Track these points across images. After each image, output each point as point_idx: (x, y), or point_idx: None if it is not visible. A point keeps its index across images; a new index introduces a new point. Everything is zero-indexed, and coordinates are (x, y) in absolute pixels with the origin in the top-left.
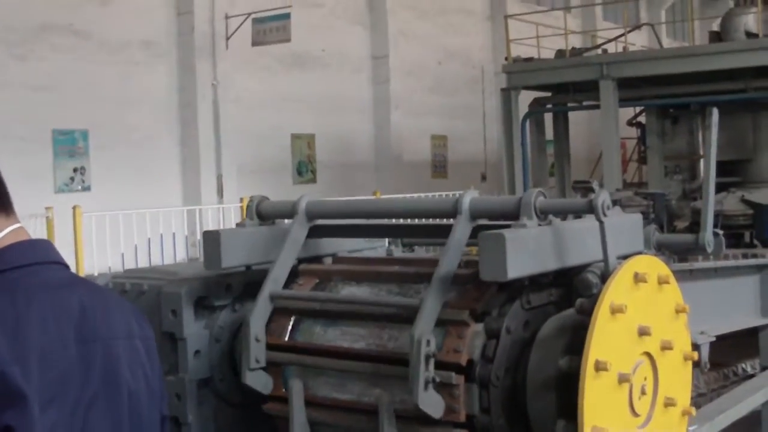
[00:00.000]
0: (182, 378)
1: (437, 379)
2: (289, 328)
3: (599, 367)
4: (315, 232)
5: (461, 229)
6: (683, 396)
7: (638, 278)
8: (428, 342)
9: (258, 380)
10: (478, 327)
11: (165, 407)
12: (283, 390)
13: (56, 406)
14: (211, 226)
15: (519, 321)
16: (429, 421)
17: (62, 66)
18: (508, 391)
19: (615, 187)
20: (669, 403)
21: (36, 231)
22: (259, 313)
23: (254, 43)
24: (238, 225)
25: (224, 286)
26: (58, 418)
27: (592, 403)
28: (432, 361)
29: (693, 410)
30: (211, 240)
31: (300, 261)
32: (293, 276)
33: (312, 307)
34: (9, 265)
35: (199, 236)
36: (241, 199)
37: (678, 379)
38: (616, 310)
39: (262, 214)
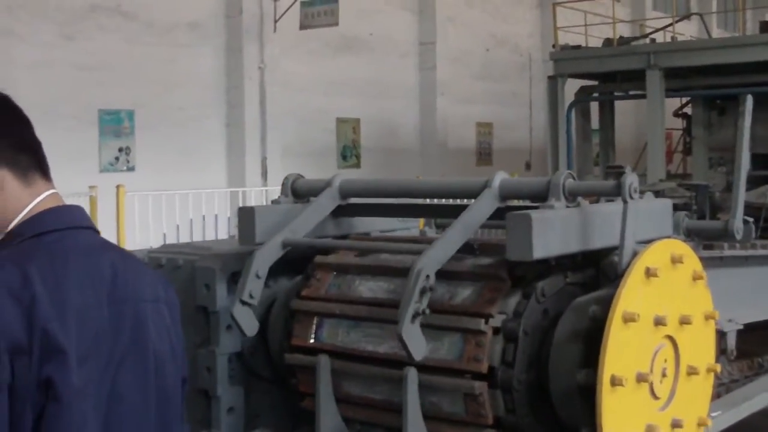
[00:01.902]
0: (213, 351)
1: (427, 311)
2: (314, 329)
3: (615, 382)
4: (348, 211)
5: (485, 201)
6: (706, 357)
7: (650, 273)
8: (428, 277)
9: (245, 317)
10: (497, 323)
11: (186, 370)
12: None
13: (91, 362)
14: None
15: (536, 317)
16: (453, 370)
17: (109, 46)
18: (533, 389)
19: (659, 178)
20: (692, 372)
21: None
22: (266, 251)
23: (302, 27)
24: (273, 202)
25: None
26: (92, 373)
27: (611, 415)
28: (427, 296)
29: (718, 367)
30: (246, 216)
31: (335, 239)
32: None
33: (332, 310)
34: (46, 228)
35: None
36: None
37: (700, 344)
38: (628, 319)
39: (297, 191)
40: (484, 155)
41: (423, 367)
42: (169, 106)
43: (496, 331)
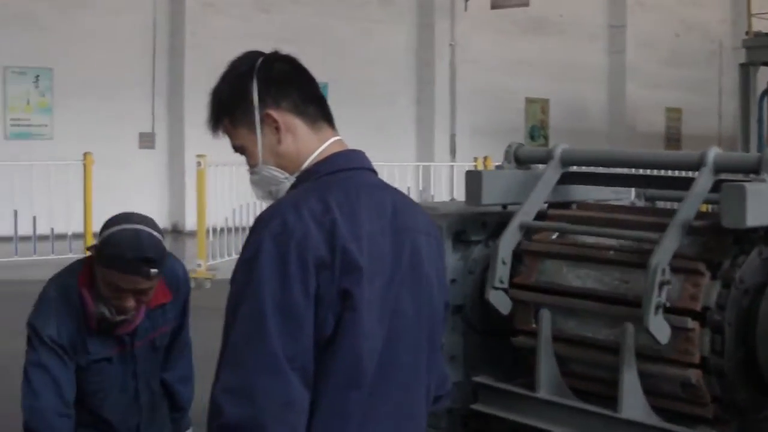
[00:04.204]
0: None
1: (667, 304)
2: (537, 269)
3: None
4: (566, 179)
5: (704, 179)
6: None
7: None
8: (663, 271)
9: (499, 300)
10: (702, 319)
11: (447, 295)
12: (533, 325)
13: (377, 281)
14: (443, 184)
15: (738, 303)
16: (666, 360)
17: (304, 20)
18: (744, 366)
19: None
20: None
21: None
22: (508, 238)
23: (493, 6)
24: (497, 167)
25: (480, 222)
26: (378, 290)
27: None
28: (665, 289)
29: None
30: (474, 179)
31: (550, 205)
32: (541, 218)
33: (558, 251)
34: (338, 168)
35: (432, 191)
36: (475, 159)
37: None
38: None
39: (519, 158)
40: (673, 140)
41: (639, 355)
42: (362, 81)
43: (702, 324)
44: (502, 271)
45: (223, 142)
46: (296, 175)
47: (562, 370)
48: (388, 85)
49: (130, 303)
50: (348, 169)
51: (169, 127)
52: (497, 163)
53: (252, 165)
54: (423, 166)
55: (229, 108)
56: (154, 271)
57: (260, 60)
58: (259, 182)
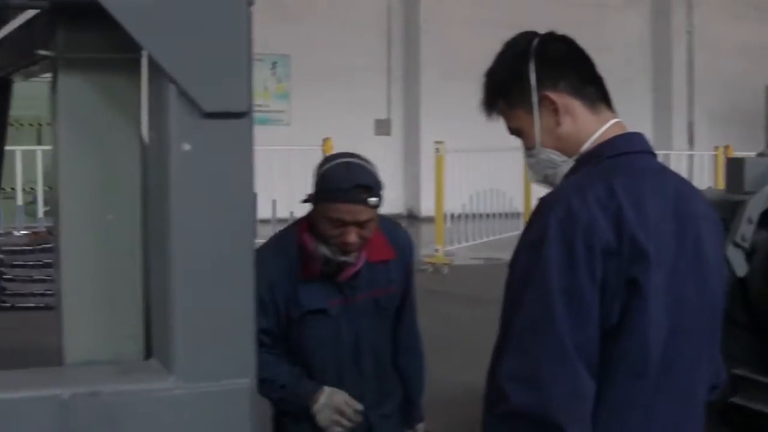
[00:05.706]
0: None
1: None
2: None
3: None
4: None
5: None
6: None
7: None
8: None
9: (737, 258)
10: None
11: (723, 284)
12: None
13: (662, 268)
14: (682, 173)
15: None
16: None
17: (537, 6)
18: None
19: None
20: None
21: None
22: (759, 199)
23: None
24: (758, 155)
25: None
26: (663, 278)
27: None
28: None
29: None
30: (735, 166)
31: None
32: None
33: None
34: (620, 150)
35: None
36: (715, 148)
37: None
38: None
39: None
40: None
41: None
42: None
43: None
44: (746, 230)
45: (459, 129)
46: (575, 158)
47: None
48: (622, 72)
49: (353, 237)
50: (631, 152)
51: (404, 114)
52: (738, 153)
53: (528, 147)
54: (661, 155)
55: (506, 89)
56: (372, 199)
57: (536, 40)
58: (535, 165)
